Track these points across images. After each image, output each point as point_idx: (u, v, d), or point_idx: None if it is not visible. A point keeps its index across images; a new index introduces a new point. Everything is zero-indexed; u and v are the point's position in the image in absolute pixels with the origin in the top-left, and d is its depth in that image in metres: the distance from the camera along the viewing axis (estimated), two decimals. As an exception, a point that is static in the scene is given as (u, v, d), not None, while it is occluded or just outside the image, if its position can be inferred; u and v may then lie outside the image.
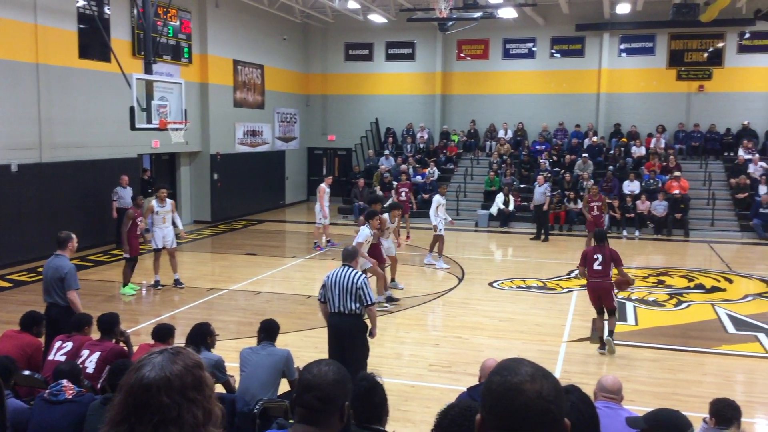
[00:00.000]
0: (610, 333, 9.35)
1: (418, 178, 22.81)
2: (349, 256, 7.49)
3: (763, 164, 21.14)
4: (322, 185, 17.11)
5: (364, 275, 7.38)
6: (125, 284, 12.52)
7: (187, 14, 19.95)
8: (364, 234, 10.89)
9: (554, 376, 1.66)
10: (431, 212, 14.99)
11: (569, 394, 2.88)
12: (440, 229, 14.81)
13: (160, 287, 12.84)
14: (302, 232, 20.82)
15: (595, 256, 9.33)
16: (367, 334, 7.39)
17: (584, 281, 13.56)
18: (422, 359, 9.12)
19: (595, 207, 16.92)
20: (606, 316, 9.51)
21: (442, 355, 9.29)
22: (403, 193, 19.36)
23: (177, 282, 13.03)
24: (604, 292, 9.34)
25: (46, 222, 14.67)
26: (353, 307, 7.14)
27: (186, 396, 1.64)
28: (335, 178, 25.47)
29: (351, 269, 7.30)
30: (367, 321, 7.39)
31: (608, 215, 19.96)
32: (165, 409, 1.61)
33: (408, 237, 17.12)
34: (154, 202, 12.92)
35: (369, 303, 7.18)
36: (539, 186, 18.88)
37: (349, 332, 7.20)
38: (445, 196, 15.62)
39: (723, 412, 4.76)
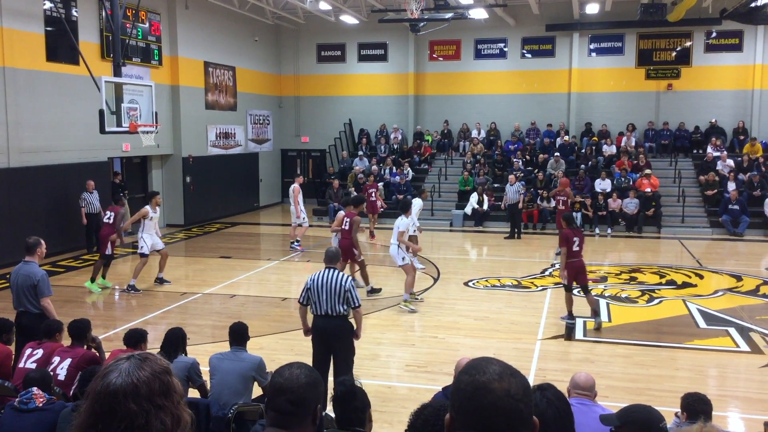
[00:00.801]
0: (596, 314, 10.42)
1: (397, 178, 22.86)
2: (334, 258, 7.38)
3: (731, 162, 21.48)
4: (296, 185, 17.09)
5: (351, 277, 7.28)
6: (93, 280, 12.79)
7: (156, 16, 19.77)
8: (405, 223, 11.81)
9: (522, 375, 1.67)
10: (412, 215, 14.93)
11: (545, 390, 2.91)
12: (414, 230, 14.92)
13: (134, 292, 12.70)
14: (277, 234, 20.72)
15: (574, 238, 10.45)
16: (353, 336, 7.32)
17: (558, 280, 13.72)
18: (399, 359, 9.13)
19: (561, 201, 17.33)
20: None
21: (419, 355, 9.30)
22: (373, 194, 19.63)
23: (162, 280, 13.27)
24: (582, 269, 10.55)
25: (16, 228, 14.42)
26: (341, 310, 7.08)
27: (154, 402, 1.61)
28: (310, 180, 25.47)
29: (336, 271, 7.18)
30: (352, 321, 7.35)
31: (581, 212, 20.17)
32: (132, 416, 1.58)
33: (373, 236, 17.50)
34: (148, 207, 12.86)
35: (356, 305, 7.14)
36: (511, 185, 19.04)
37: (336, 334, 7.14)
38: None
39: (694, 406, 4.82)
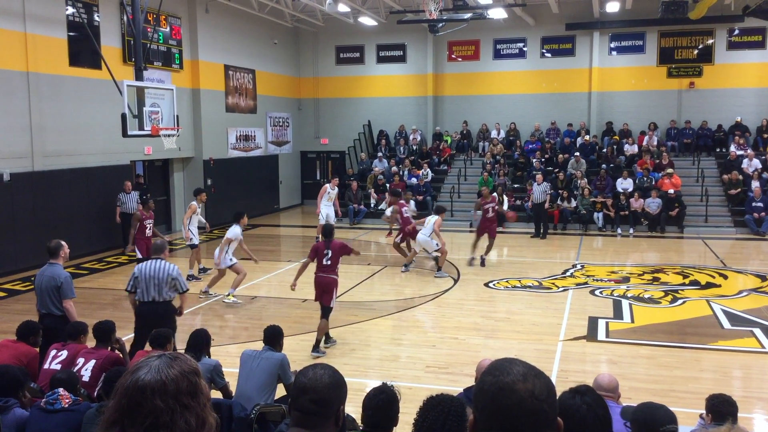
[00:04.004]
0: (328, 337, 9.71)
1: (413, 180, 22.85)
2: (160, 250, 8.17)
3: (757, 162, 21.12)
4: (326, 185, 17.98)
5: (176, 266, 8.04)
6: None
7: (177, 20, 19.93)
8: (235, 232, 12.12)
9: (546, 376, 1.67)
10: (429, 231, 14.40)
11: (584, 395, 2.89)
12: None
13: (194, 279, 13.76)
14: (297, 236, 20.79)
15: (325, 251, 9.51)
16: (176, 314, 8.16)
17: (580, 280, 13.64)
18: (419, 361, 9.12)
19: (490, 209, 15.53)
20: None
21: (439, 356, 9.28)
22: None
23: (202, 270, 14.41)
24: (328, 287, 9.46)
25: (41, 231, 14.61)
26: (168, 296, 7.94)
27: (180, 401, 1.63)
28: (327, 181, 25.54)
29: (163, 261, 8.00)
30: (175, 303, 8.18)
31: (602, 212, 20.04)
32: (158, 413, 1.60)
33: (390, 234, 17.74)
34: (194, 203, 13.93)
35: (184, 290, 8.08)
36: (538, 185, 18.94)
37: (161, 317, 7.75)
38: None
39: (719, 407, 4.77)
